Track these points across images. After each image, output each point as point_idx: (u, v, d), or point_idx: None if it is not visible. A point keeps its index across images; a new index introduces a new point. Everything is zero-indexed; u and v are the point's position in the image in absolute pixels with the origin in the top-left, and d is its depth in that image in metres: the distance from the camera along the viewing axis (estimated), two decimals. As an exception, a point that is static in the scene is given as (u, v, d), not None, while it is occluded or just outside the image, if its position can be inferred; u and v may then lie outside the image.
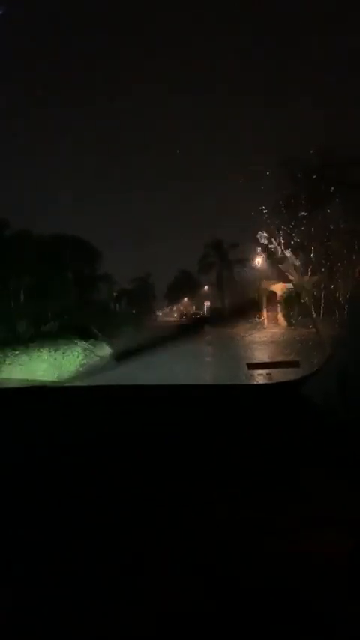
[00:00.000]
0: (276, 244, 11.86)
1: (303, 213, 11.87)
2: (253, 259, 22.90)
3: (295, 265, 11.57)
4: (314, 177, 12.37)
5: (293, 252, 11.69)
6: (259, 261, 22.32)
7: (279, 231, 11.77)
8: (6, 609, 0.71)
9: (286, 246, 11.75)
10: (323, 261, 10.97)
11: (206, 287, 31.91)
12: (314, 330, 10.35)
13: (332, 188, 11.68)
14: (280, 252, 11.89)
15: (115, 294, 25.26)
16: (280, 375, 2.06)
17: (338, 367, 1.51)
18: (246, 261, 24.00)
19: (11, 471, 1.13)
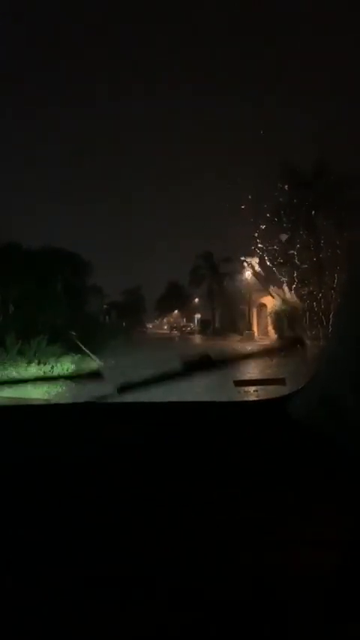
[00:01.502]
0: (265, 260, 12.00)
1: (288, 229, 12.05)
2: (243, 272, 23.11)
3: (284, 281, 11.68)
4: (303, 192, 12.60)
5: (279, 267, 11.83)
6: (249, 274, 22.52)
7: (263, 252, 11.94)
8: (5, 610, 0.70)
9: (273, 262, 11.90)
10: (309, 276, 11.11)
11: (197, 299, 32.07)
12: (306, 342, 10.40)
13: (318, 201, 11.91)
14: (269, 264, 12.01)
15: (105, 306, 25.25)
16: (266, 392, 2.06)
17: (322, 383, 1.51)
18: (236, 274, 24.21)
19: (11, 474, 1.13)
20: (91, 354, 10.70)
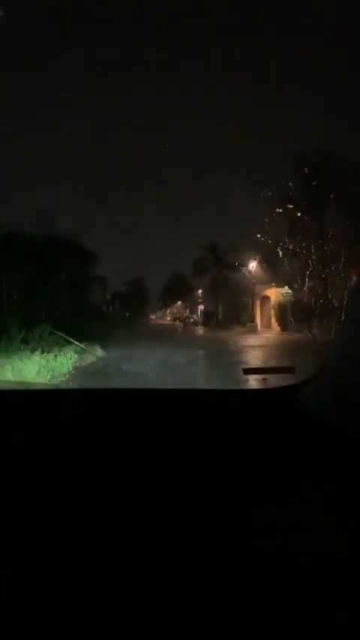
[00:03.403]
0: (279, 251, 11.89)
1: (298, 219, 11.93)
2: (247, 264, 23.02)
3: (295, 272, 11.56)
4: (312, 184, 12.46)
5: (290, 258, 11.73)
6: (253, 266, 22.42)
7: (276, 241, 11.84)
8: (3, 609, 0.69)
9: (285, 253, 11.80)
10: (319, 267, 11.02)
11: (200, 291, 32.02)
12: (307, 335, 10.37)
13: (331, 196, 11.77)
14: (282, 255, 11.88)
15: (108, 296, 25.26)
16: (275, 381, 2.05)
17: (333, 371, 1.49)
18: (240, 265, 24.13)
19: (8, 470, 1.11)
20: (77, 343, 10.73)
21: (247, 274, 23.38)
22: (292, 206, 12.05)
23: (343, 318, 1.83)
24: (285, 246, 11.79)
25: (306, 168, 12.61)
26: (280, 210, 11.94)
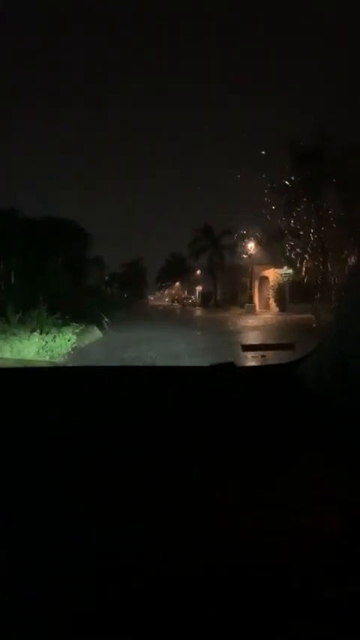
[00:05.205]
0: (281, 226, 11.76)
1: (298, 200, 11.81)
2: (245, 245, 22.87)
3: (296, 251, 11.48)
4: (311, 164, 12.31)
5: (291, 237, 11.65)
6: (251, 246, 22.28)
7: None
8: (9, 577, 0.70)
9: (286, 231, 11.72)
10: (319, 246, 10.96)
11: (198, 272, 31.85)
12: (306, 315, 10.38)
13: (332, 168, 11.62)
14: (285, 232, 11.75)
15: (106, 278, 25.16)
16: (274, 357, 2.04)
17: (333, 347, 1.48)
18: (237, 247, 23.98)
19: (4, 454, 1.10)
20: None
21: (246, 255, 23.26)
22: (289, 183, 11.92)
23: (344, 295, 1.83)
24: (285, 224, 11.70)
25: (303, 151, 12.44)
26: (279, 184, 11.81)
